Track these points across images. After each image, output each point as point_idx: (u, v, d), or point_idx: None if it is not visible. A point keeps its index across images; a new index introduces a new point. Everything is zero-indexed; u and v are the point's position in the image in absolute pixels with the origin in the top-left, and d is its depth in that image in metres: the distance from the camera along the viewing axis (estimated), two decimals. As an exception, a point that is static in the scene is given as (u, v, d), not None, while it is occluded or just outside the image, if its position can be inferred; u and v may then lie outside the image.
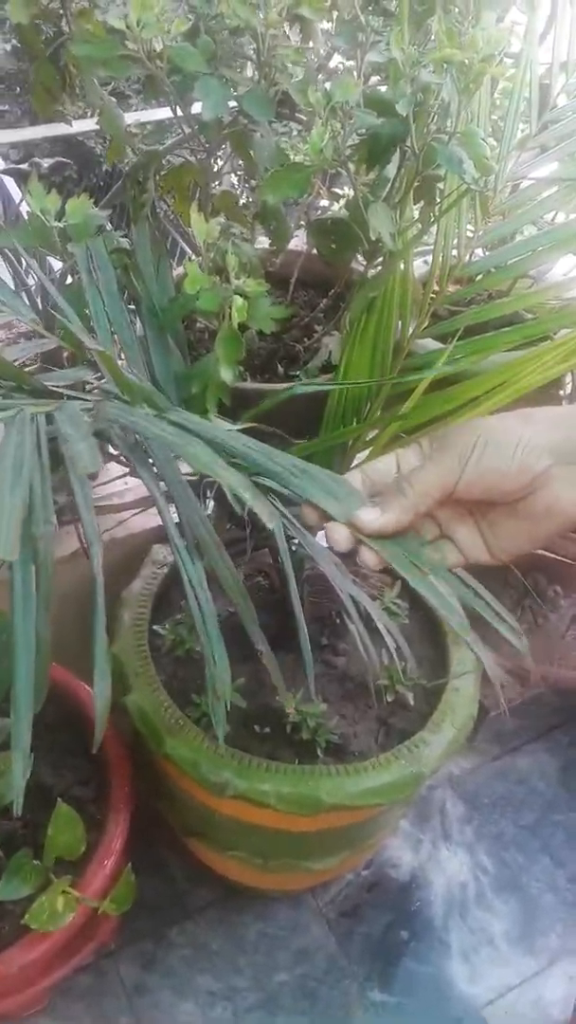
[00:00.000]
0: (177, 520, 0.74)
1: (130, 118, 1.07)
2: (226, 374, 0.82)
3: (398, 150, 0.77)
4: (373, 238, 0.77)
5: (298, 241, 1.11)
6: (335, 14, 0.92)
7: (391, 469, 0.62)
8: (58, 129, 1.51)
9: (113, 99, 0.96)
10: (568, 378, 1.24)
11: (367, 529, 0.58)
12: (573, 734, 1.81)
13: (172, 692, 1.14)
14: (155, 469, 0.75)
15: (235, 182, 1.65)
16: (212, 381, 0.85)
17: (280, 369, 1.05)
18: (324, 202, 1.13)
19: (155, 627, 1.23)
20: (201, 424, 0.69)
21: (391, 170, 0.78)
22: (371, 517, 0.58)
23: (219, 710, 0.70)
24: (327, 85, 0.72)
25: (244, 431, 0.75)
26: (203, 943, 1.44)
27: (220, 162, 1.17)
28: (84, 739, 1.25)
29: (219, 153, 0.98)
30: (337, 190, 1.05)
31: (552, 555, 1.35)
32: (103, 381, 0.78)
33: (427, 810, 1.65)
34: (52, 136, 1.79)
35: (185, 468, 0.88)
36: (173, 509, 0.75)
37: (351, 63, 0.84)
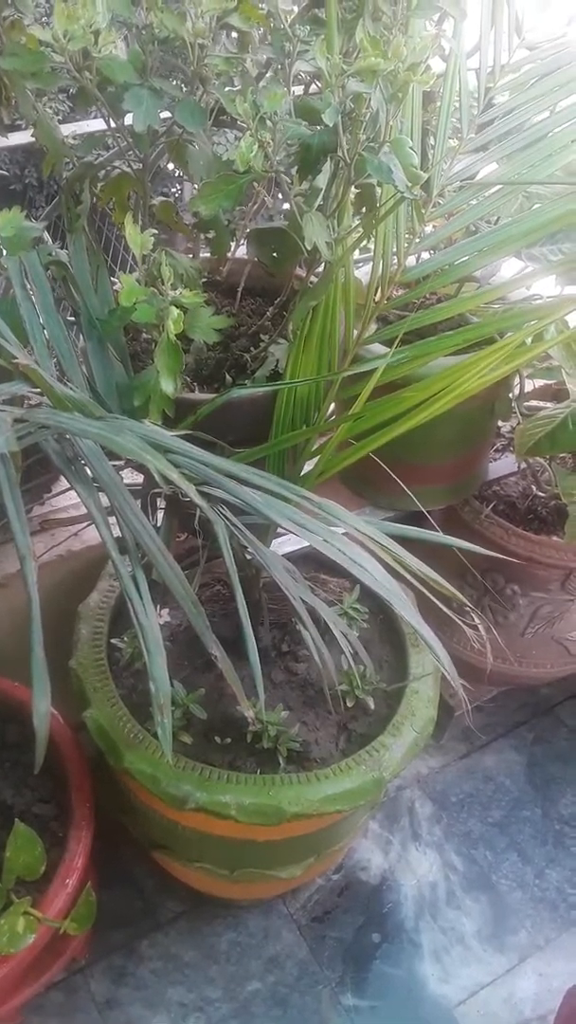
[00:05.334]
0: (119, 535, 0.74)
1: (67, 129, 1.06)
2: (167, 385, 0.82)
3: (331, 160, 0.77)
4: (309, 248, 0.77)
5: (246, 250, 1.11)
6: (272, 23, 0.92)
7: None
8: (19, 138, 1.50)
9: (49, 111, 0.95)
10: (516, 380, 1.25)
11: None
12: (538, 730, 1.83)
13: (131, 706, 1.13)
14: (96, 484, 0.75)
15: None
16: (155, 393, 0.84)
17: (228, 379, 1.05)
18: (286, 206, 1.13)
19: (113, 640, 1.22)
20: (136, 426, 0.69)
21: (323, 180, 0.78)
22: None
23: (165, 727, 0.69)
24: (254, 95, 0.72)
25: (183, 438, 0.75)
26: (174, 955, 1.43)
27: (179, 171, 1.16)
28: (47, 758, 1.24)
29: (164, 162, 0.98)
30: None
31: (509, 556, 1.36)
32: (43, 395, 0.77)
33: (396, 811, 1.66)
34: (13, 145, 1.76)
35: (129, 479, 0.87)
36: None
37: (282, 71, 0.84)
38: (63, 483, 1.36)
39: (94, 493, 0.71)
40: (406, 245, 0.97)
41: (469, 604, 0.75)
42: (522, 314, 0.93)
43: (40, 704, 0.59)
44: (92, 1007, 1.36)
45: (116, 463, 0.76)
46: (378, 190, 0.86)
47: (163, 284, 0.76)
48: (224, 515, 0.76)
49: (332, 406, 1.03)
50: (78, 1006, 1.37)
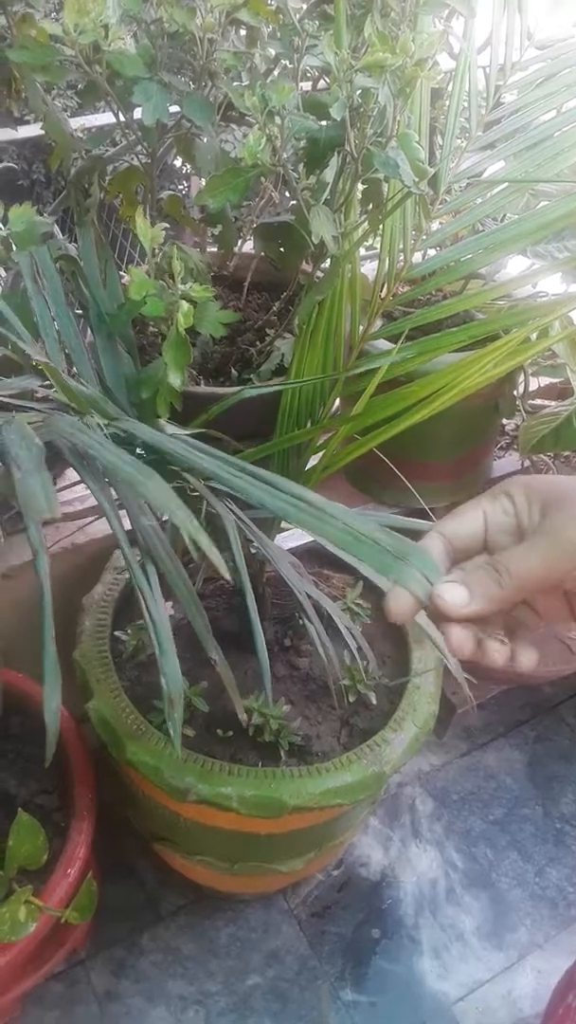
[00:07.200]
0: (129, 527, 0.74)
1: (75, 122, 1.07)
2: (175, 379, 0.82)
3: (338, 154, 0.77)
4: (315, 242, 0.77)
5: (252, 245, 1.11)
6: (281, 18, 0.92)
7: (477, 531, 0.54)
8: (28, 131, 1.51)
9: (58, 104, 0.95)
10: (521, 377, 1.26)
11: (452, 613, 0.48)
12: (540, 729, 1.83)
13: (134, 698, 1.14)
14: (106, 479, 0.75)
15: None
16: (162, 386, 0.85)
17: (234, 373, 1.05)
18: (293, 203, 1.13)
19: (117, 632, 1.22)
20: (156, 436, 0.69)
21: (330, 174, 0.78)
22: (459, 600, 0.48)
23: (175, 722, 0.69)
24: (262, 90, 0.72)
25: (196, 436, 0.75)
26: (174, 947, 1.44)
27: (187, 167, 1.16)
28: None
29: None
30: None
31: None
32: (52, 390, 0.77)
33: (397, 807, 1.66)
34: (21, 139, 1.77)
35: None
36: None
37: (291, 66, 0.84)
38: (68, 477, 1.37)
39: (106, 487, 0.71)
40: (412, 242, 0.97)
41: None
42: (527, 311, 0.93)
43: (51, 700, 0.59)
44: (92, 999, 1.37)
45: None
46: (385, 185, 0.87)
47: (173, 278, 0.77)
48: (231, 510, 0.77)
49: (337, 401, 1.03)
50: (78, 998, 1.37)
